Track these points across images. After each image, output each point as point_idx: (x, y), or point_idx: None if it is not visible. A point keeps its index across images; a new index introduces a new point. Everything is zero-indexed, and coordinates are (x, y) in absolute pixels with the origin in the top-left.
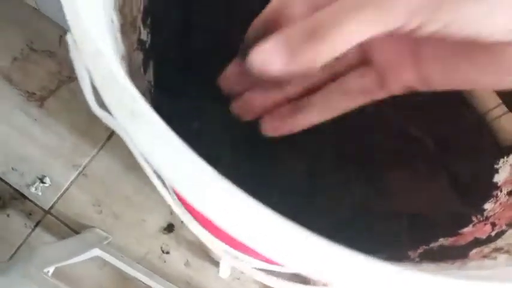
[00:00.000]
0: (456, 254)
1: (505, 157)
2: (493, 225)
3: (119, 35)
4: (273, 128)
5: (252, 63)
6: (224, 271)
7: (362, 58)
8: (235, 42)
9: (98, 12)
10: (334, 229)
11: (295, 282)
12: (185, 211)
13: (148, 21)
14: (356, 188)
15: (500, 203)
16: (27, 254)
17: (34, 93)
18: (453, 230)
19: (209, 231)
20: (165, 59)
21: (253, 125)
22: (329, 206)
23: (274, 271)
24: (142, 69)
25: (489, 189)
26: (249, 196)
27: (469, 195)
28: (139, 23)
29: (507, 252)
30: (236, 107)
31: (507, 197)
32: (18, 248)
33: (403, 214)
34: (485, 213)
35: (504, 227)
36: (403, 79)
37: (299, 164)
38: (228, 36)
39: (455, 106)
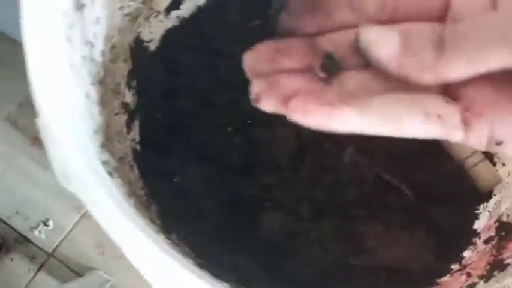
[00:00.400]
0: None
1: (485, 203)
2: (468, 275)
3: (95, 108)
4: (305, 111)
5: (362, 41)
6: None
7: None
8: (220, 104)
9: (68, 94)
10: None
11: None
12: None
13: (134, 84)
14: (333, 245)
15: (478, 251)
16: None
17: (38, 137)
18: (431, 279)
19: None
20: (151, 118)
21: (235, 181)
22: (308, 263)
23: None
24: (125, 130)
25: (469, 236)
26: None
27: (449, 242)
28: (123, 87)
29: None
30: (258, 87)
31: (484, 245)
32: None
33: (380, 268)
34: (463, 262)
35: (476, 279)
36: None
37: (275, 224)
38: (212, 98)
39: (433, 154)
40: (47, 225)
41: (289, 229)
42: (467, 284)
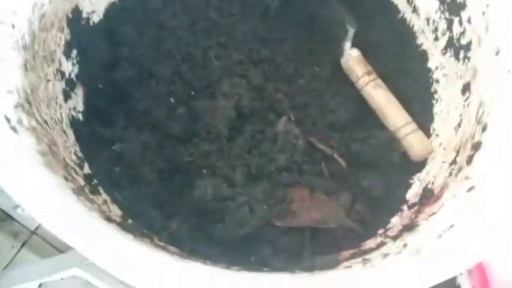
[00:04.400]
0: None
1: (418, 173)
2: (384, 237)
3: (14, 71)
4: None
5: None
6: None
7: None
8: (162, 75)
9: None
10: (243, 242)
11: None
12: None
13: (74, 54)
14: (260, 208)
15: (402, 217)
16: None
17: None
18: (355, 242)
19: None
20: (92, 88)
21: (174, 149)
22: (236, 225)
23: None
24: (62, 98)
25: (399, 204)
26: None
27: (379, 209)
28: (59, 55)
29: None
30: None
31: (408, 211)
32: (5, 268)
33: (303, 229)
34: (388, 226)
35: (387, 239)
36: None
37: (209, 190)
38: (155, 69)
39: (368, 124)
40: None
41: (222, 194)
42: (377, 243)
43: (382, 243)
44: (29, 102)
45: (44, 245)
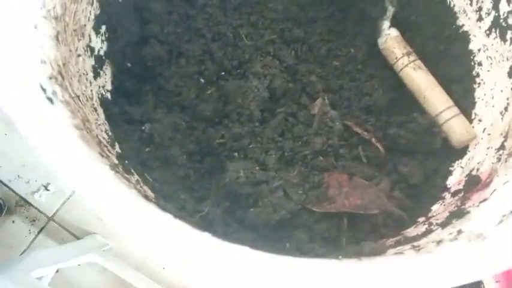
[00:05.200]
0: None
1: (460, 159)
2: (429, 225)
3: (47, 41)
4: None
5: None
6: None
7: None
8: (192, 54)
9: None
10: (277, 227)
11: None
12: None
13: (103, 30)
14: (296, 193)
15: (445, 204)
16: (18, 258)
17: None
18: (396, 230)
19: None
20: (122, 66)
21: (204, 131)
22: (270, 210)
23: None
24: (92, 75)
25: (440, 192)
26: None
27: (419, 197)
28: (89, 30)
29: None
30: None
31: (451, 198)
32: (22, 253)
33: (341, 214)
34: (429, 214)
35: (434, 227)
36: None
37: (242, 173)
38: (185, 48)
39: (407, 109)
40: (48, 190)
41: (255, 177)
42: (423, 231)
43: (429, 231)
44: (62, 76)
45: (61, 231)
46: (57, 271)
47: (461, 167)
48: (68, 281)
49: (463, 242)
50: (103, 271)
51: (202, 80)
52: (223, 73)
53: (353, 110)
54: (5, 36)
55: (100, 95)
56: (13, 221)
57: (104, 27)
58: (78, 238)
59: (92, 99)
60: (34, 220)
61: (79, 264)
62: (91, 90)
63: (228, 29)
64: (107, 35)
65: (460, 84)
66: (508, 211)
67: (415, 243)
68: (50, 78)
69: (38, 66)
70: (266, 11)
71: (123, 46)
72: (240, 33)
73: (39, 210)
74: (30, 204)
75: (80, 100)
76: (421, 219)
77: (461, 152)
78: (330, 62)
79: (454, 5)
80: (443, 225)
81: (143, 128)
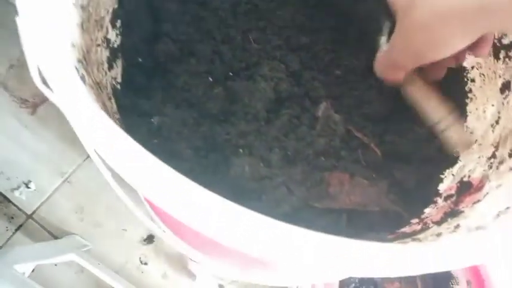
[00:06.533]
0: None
1: (450, 168)
2: (424, 224)
3: (75, 29)
4: None
5: None
6: (201, 284)
7: None
8: (202, 54)
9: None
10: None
11: None
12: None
13: (118, 24)
14: (298, 189)
15: (437, 208)
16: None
17: (27, 100)
18: (390, 228)
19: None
20: (133, 61)
21: (211, 127)
22: (273, 204)
23: None
24: (106, 66)
25: (432, 196)
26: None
27: (411, 200)
28: (107, 23)
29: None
30: None
31: (444, 202)
32: None
33: (341, 211)
34: (422, 216)
35: (430, 225)
36: None
37: (245, 168)
38: (195, 47)
39: (406, 118)
40: (28, 187)
41: (259, 173)
42: (421, 227)
43: (425, 228)
44: (86, 61)
45: (40, 230)
46: (33, 270)
47: (452, 174)
48: (44, 281)
49: (463, 233)
50: (80, 272)
51: (210, 79)
52: (231, 74)
53: (353, 116)
54: (48, 16)
55: (113, 86)
56: None
57: (119, 22)
58: (56, 238)
59: (106, 88)
60: (12, 217)
61: (56, 264)
62: (106, 80)
63: (237, 33)
64: (121, 30)
65: (452, 99)
66: (504, 207)
67: (415, 237)
68: (79, 61)
69: (70, 48)
70: (274, 18)
71: (136, 41)
72: (249, 37)
73: (18, 208)
74: (10, 201)
75: (99, 87)
76: (414, 221)
77: (453, 160)
78: (332, 70)
79: None
80: (439, 223)
81: (152, 120)
